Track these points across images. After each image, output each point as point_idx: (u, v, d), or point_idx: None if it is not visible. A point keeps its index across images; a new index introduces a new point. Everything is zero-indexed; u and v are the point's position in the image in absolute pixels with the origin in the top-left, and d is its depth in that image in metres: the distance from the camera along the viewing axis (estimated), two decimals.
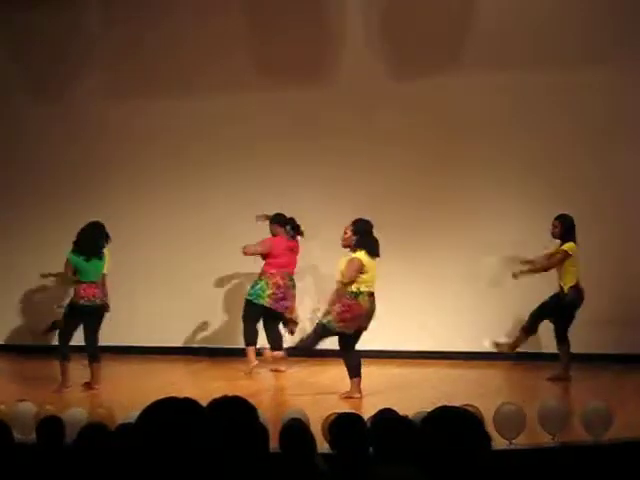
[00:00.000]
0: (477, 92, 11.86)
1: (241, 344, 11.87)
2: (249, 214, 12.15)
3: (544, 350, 10.96)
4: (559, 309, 10.40)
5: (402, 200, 12.07)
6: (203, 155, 12.78)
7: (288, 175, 12.40)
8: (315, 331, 9.96)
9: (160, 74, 12.89)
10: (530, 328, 10.55)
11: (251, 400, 3.72)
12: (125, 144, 13.11)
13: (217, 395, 3.72)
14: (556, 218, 10.54)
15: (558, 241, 10.56)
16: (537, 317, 10.51)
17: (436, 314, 11.91)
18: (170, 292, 12.78)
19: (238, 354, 12.07)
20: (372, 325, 9.89)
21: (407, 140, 12.08)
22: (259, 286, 11.41)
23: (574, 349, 10.47)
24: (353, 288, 9.70)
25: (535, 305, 10.55)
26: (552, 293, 10.52)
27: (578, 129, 11.59)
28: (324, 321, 9.82)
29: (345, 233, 9.82)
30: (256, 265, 11.58)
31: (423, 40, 12.04)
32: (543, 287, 10.54)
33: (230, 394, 3.74)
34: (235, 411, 3.66)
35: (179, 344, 12.77)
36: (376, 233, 9.87)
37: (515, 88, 11.72)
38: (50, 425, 6.28)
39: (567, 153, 11.62)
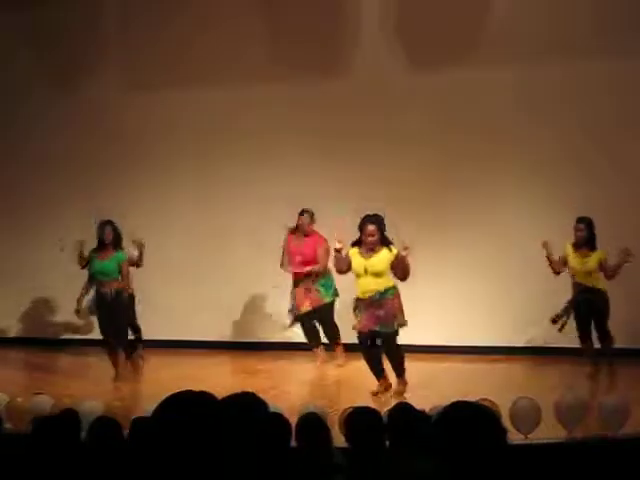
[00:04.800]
0: (494, 87, 11.82)
1: (258, 337, 11.94)
2: (264, 207, 12.21)
3: (560, 345, 10.91)
4: (603, 309, 10.37)
5: (419, 196, 12.04)
6: (219, 148, 12.79)
7: (303, 170, 12.40)
8: (393, 343, 9.67)
9: (177, 68, 12.90)
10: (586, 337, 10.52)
11: (268, 394, 3.74)
12: (142, 138, 13.13)
13: (235, 389, 3.74)
14: (580, 221, 10.42)
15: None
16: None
17: (453, 309, 11.91)
18: (189, 285, 12.81)
19: (256, 348, 12.14)
20: None
21: (424, 136, 12.04)
22: (334, 283, 11.26)
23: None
24: (392, 283, 9.62)
25: (549, 300, 10.52)
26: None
27: (598, 124, 11.52)
28: (395, 328, 9.58)
29: (372, 235, 9.50)
30: (273, 258, 11.57)
31: (439, 35, 12.00)
32: (559, 283, 10.50)
33: (248, 388, 3.76)
34: (250, 406, 3.67)
35: (197, 337, 12.79)
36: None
37: (533, 82, 11.68)
38: (66, 418, 6.28)
39: (586, 148, 11.56)
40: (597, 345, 10.48)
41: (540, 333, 11.37)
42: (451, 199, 11.98)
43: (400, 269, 9.50)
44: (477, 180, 11.89)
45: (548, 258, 10.45)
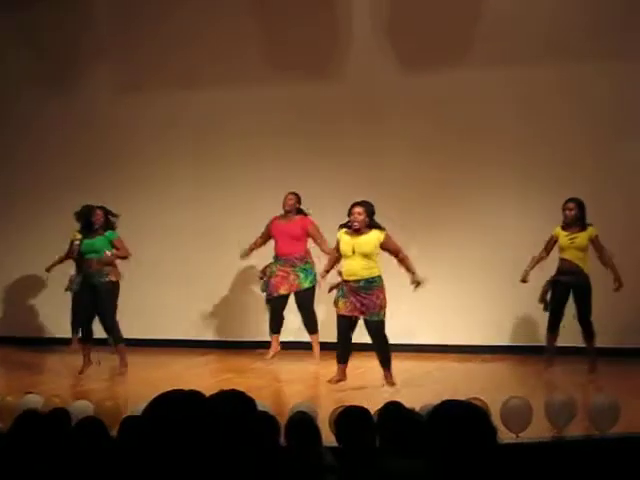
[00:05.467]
0: (487, 87, 11.83)
1: (248, 337, 11.95)
2: (254, 207, 12.21)
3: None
4: (585, 291, 10.32)
5: (413, 197, 12.05)
6: (212, 149, 12.79)
7: (296, 171, 12.38)
8: (382, 332, 9.71)
9: (170, 68, 12.89)
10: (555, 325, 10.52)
11: (258, 393, 3.74)
12: (135, 138, 13.11)
13: (225, 387, 3.73)
14: (571, 201, 10.37)
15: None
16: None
17: (444, 309, 11.92)
18: (177, 284, 12.80)
19: (246, 347, 12.14)
20: None
21: (417, 136, 12.05)
22: (314, 270, 11.23)
23: (579, 342, 10.47)
24: (379, 273, 9.65)
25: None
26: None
27: (589, 124, 11.56)
28: (381, 317, 9.64)
29: (359, 214, 9.61)
30: (261, 257, 11.58)
31: (432, 36, 12.00)
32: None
33: (238, 387, 3.75)
34: (238, 404, 3.66)
35: (186, 336, 12.78)
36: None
37: (525, 83, 11.69)
38: (57, 417, 6.26)
39: (580, 149, 11.58)
40: (582, 344, 10.47)
41: (532, 332, 11.38)
42: (445, 199, 11.98)
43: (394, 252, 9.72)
44: (471, 181, 11.90)
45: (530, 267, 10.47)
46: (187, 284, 12.80)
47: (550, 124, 11.69)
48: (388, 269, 9.89)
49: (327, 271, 10.05)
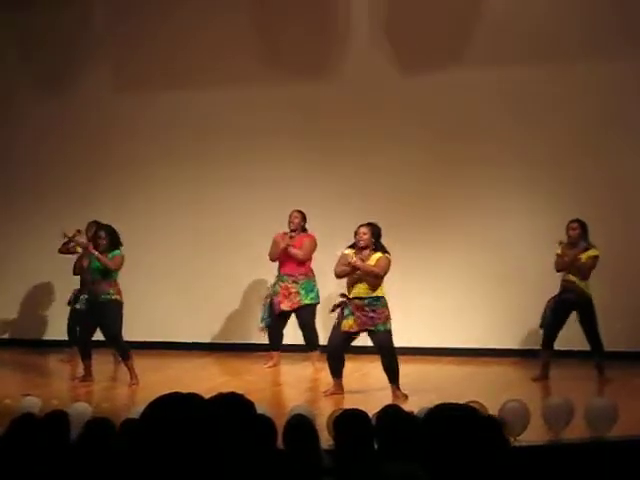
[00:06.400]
0: (483, 89, 11.84)
1: (247, 339, 11.93)
2: (251, 210, 12.20)
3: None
4: (590, 310, 10.36)
5: (406, 198, 12.05)
6: (209, 150, 12.77)
7: (292, 171, 12.38)
8: (390, 343, 9.68)
9: (170, 68, 12.87)
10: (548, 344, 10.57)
11: (257, 396, 3.74)
12: (134, 138, 13.08)
13: (223, 390, 3.73)
14: (574, 221, 10.39)
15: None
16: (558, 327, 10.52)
17: (441, 311, 11.90)
18: (174, 287, 12.78)
19: (245, 349, 12.12)
20: None
21: (414, 136, 12.05)
22: (317, 288, 11.27)
23: (578, 346, 10.48)
24: (383, 293, 9.63)
25: (540, 303, 10.54)
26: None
27: (580, 126, 11.58)
28: (388, 327, 9.60)
29: (364, 234, 9.64)
30: (259, 260, 11.58)
31: (428, 37, 12.02)
32: (551, 285, 10.52)
33: (237, 390, 3.75)
34: (236, 407, 3.67)
35: (184, 339, 12.76)
36: (383, 231, 9.85)
37: (524, 83, 11.70)
38: (55, 420, 6.26)
39: (573, 150, 11.61)
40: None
41: (531, 336, 11.38)
42: (444, 200, 11.97)
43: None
44: (471, 182, 11.89)
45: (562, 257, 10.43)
46: (185, 286, 12.78)
47: (548, 124, 11.69)
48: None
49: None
